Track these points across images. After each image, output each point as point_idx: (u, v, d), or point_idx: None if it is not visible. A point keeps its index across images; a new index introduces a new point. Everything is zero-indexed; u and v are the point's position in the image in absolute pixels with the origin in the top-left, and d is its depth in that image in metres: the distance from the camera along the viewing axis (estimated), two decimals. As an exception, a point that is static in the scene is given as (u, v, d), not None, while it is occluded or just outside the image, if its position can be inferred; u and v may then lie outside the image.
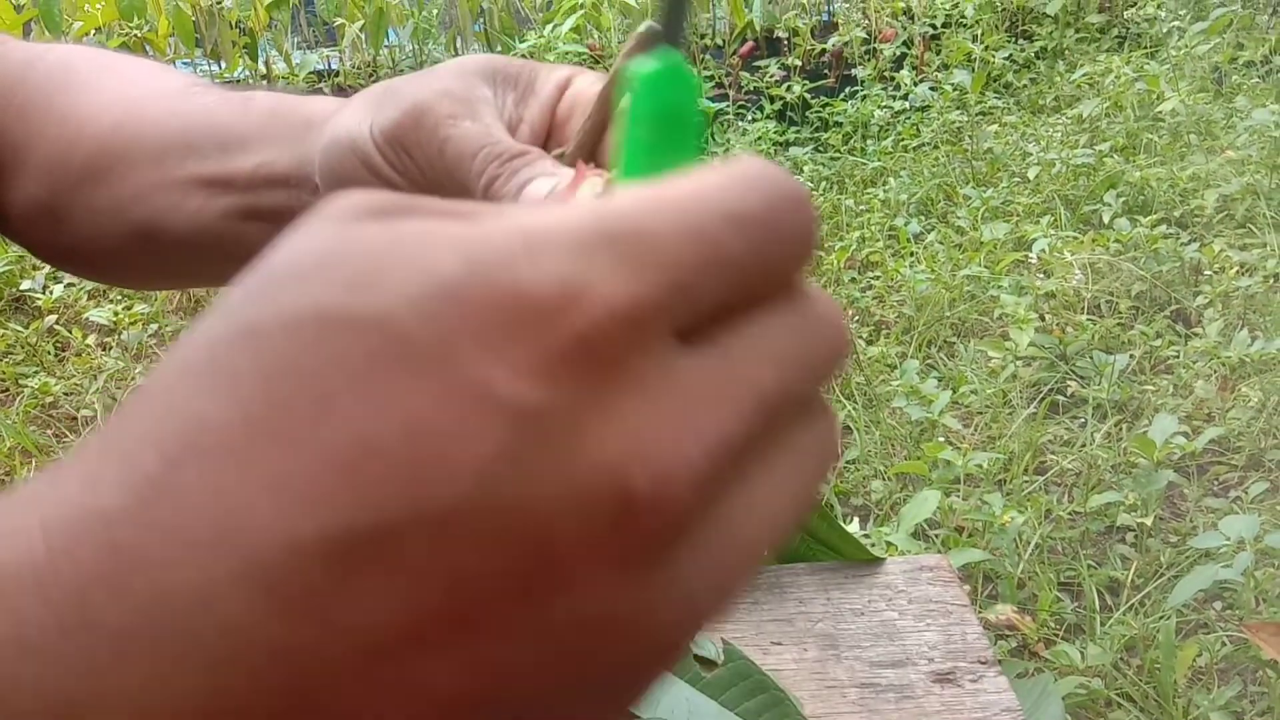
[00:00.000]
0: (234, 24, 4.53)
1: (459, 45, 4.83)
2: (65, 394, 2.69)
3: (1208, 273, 2.55)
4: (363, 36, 4.55)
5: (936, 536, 1.85)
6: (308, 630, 0.15)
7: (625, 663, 0.17)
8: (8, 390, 2.77)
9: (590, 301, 0.16)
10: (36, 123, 0.46)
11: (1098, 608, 1.72)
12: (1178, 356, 2.30)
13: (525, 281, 0.16)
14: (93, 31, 4.30)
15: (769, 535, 0.18)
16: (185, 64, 4.70)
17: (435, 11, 4.65)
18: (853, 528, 1.73)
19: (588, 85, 0.37)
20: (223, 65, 4.60)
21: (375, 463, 0.15)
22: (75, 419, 2.61)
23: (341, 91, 4.65)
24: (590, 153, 0.35)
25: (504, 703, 0.16)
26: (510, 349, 0.15)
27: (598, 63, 4.14)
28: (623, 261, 0.16)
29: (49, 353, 2.90)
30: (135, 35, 4.25)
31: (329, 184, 0.36)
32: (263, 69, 4.58)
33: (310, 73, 4.64)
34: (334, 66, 4.79)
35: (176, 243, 0.42)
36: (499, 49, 4.67)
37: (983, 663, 0.68)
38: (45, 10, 4.11)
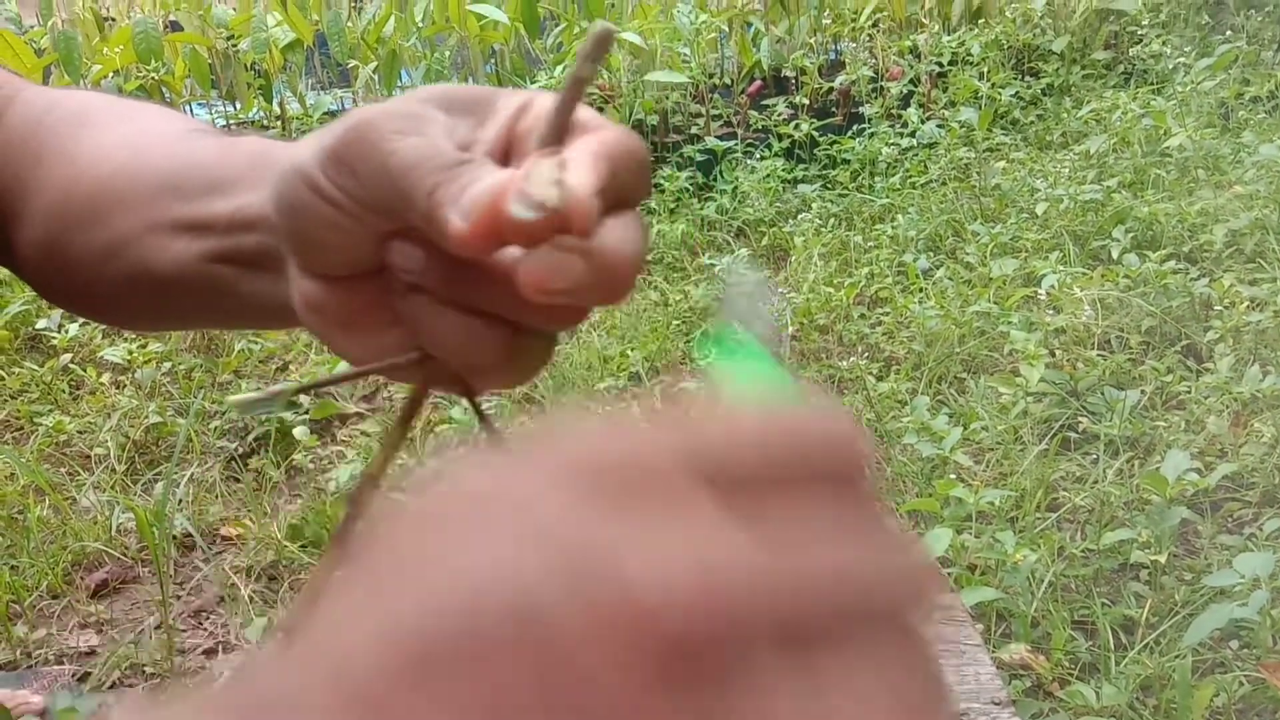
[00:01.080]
0: (249, 66, 4.60)
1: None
2: (79, 432, 2.70)
3: (1218, 308, 2.55)
4: (376, 78, 4.61)
5: (949, 574, 1.84)
6: None
7: None
8: (22, 429, 2.79)
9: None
10: (48, 166, 0.47)
11: (1112, 646, 1.71)
12: (1189, 392, 2.30)
13: None
14: (111, 74, 4.37)
15: None
16: (201, 105, 4.77)
17: (447, 53, 4.72)
18: (864, 566, 1.73)
19: (547, 104, 0.36)
20: (238, 106, 4.66)
21: None
22: (89, 457, 2.62)
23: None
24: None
25: None
26: None
27: (607, 103, 4.19)
28: None
29: (64, 391, 2.92)
30: (152, 78, 4.32)
31: (279, 211, 0.36)
32: (277, 110, 4.64)
33: (324, 113, 4.70)
34: (347, 107, 4.86)
35: (162, 285, 0.43)
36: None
37: (997, 703, 0.68)
38: (65, 54, 4.19)
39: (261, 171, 0.39)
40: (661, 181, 3.96)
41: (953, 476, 2.07)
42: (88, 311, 0.52)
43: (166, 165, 0.43)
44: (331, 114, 4.75)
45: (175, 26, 4.77)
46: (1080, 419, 2.31)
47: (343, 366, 0.40)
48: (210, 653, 1.97)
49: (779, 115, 4.36)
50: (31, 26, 5.59)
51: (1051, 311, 2.70)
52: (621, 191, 0.32)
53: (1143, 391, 2.34)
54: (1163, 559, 1.78)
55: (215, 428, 2.66)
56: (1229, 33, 4.73)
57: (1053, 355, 2.53)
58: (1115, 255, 2.94)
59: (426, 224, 0.32)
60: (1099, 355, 2.51)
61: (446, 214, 0.31)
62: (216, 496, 2.43)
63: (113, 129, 0.47)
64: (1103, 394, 2.33)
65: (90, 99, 0.50)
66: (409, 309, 0.35)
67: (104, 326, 3.05)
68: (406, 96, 0.36)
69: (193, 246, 0.41)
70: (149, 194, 0.42)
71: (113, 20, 4.91)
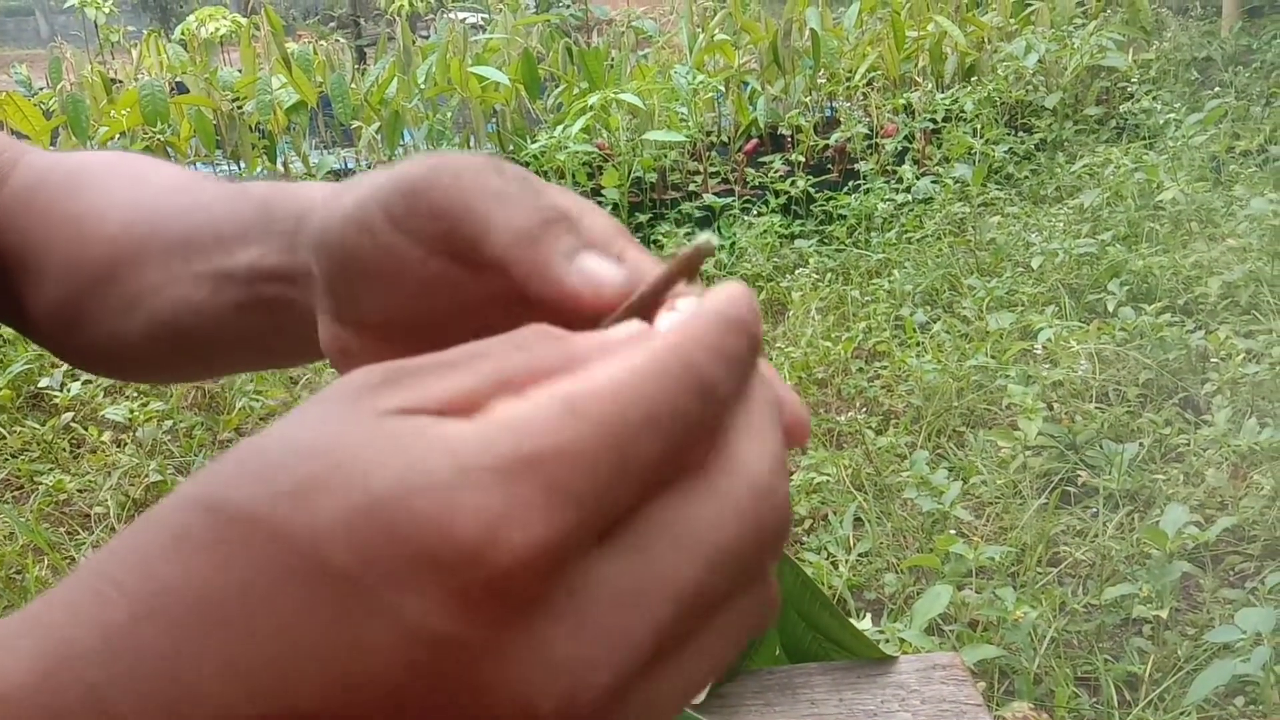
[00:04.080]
0: (253, 127, 4.67)
1: (472, 145, 4.96)
2: (79, 491, 2.70)
3: (1214, 360, 2.56)
4: (379, 138, 4.68)
5: (950, 632, 1.83)
6: None
7: None
8: (22, 487, 2.79)
9: (510, 544, 0.17)
10: (55, 225, 0.47)
11: (1116, 703, 1.69)
12: (1188, 444, 2.30)
13: (448, 517, 0.17)
14: (118, 136, 4.44)
15: (689, 695, 0.20)
16: (206, 166, 4.84)
17: (449, 114, 4.79)
18: (865, 623, 1.72)
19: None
20: (242, 166, 4.73)
21: (302, 666, 0.17)
22: (88, 516, 2.62)
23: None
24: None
25: None
26: (429, 583, 0.17)
27: (606, 160, 4.25)
28: (543, 492, 0.18)
29: (64, 449, 2.93)
30: (158, 139, 4.38)
31: (322, 259, 0.35)
32: (281, 170, 4.71)
33: (327, 173, 4.77)
34: (350, 166, 4.93)
35: (187, 336, 0.43)
36: (511, 149, 4.79)
37: (994, 765, 0.68)
38: (73, 117, 4.26)
39: (272, 220, 0.39)
40: (660, 238, 4.01)
41: (953, 531, 2.07)
42: (108, 368, 0.52)
43: (176, 222, 0.43)
44: (335, 174, 4.82)
45: (181, 89, 4.86)
46: (1079, 472, 2.31)
47: None
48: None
49: (776, 172, 4.42)
50: (40, 89, 5.69)
51: (1048, 365, 2.71)
52: None
53: (1141, 444, 2.34)
54: (1165, 614, 1.77)
55: (215, 486, 2.65)
56: (1218, 88, 4.81)
57: (1051, 409, 2.54)
58: (1111, 308, 2.96)
59: (511, 262, 0.30)
60: (1097, 408, 2.52)
61: (558, 273, 0.29)
62: (215, 555, 2.42)
63: (115, 184, 0.48)
64: (1101, 447, 2.33)
65: (89, 157, 0.51)
66: None
67: (107, 383, 3.07)
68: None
69: (216, 297, 0.41)
70: (161, 251, 0.43)
71: (120, 83, 5.00)
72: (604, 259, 0.29)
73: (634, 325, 0.24)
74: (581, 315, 0.28)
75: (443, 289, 0.33)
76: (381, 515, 0.17)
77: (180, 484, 0.20)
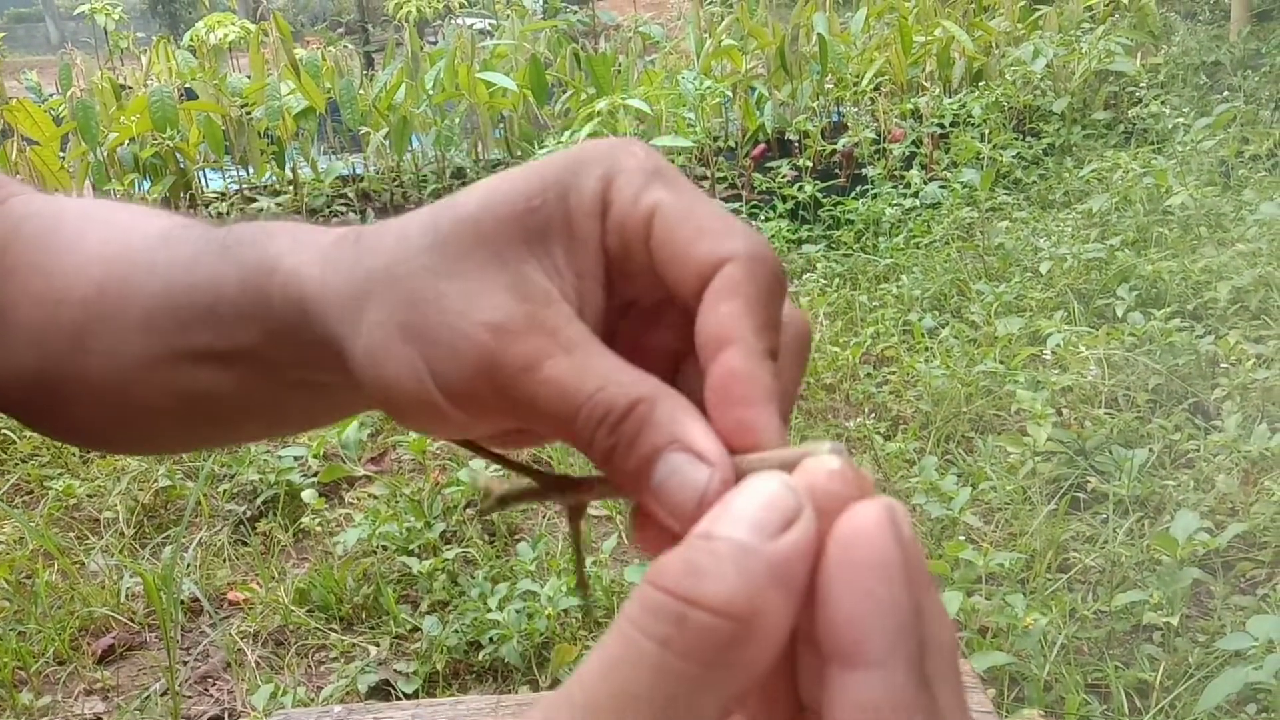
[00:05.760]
0: (262, 133, 4.69)
1: (480, 151, 4.97)
2: (89, 496, 2.71)
3: (1224, 365, 2.55)
4: (387, 143, 4.69)
5: (960, 638, 1.82)
6: None
7: None
8: (32, 492, 2.80)
9: None
10: (21, 281, 0.43)
11: (1127, 710, 1.69)
12: (1198, 450, 2.29)
13: None
14: (127, 142, 4.46)
15: None
16: (215, 171, 4.86)
17: (457, 120, 4.80)
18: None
19: (634, 194, 0.30)
20: (251, 172, 4.75)
21: None
22: (98, 521, 2.62)
23: (366, 198, 4.77)
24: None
25: None
26: None
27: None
28: None
29: (74, 454, 2.94)
30: (167, 145, 4.40)
31: (392, 404, 0.31)
32: (290, 175, 4.72)
33: (336, 178, 4.78)
34: (359, 171, 4.94)
35: (180, 412, 0.40)
36: (519, 155, 4.80)
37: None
38: (83, 123, 4.28)
39: (256, 296, 0.35)
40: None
41: (962, 538, 2.06)
42: (94, 442, 0.47)
43: (155, 284, 0.39)
44: (344, 179, 4.83)
45: (190, 95, 4.88)
46: (1089, 478, 2.30)
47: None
48: (216, 720, 1.96)
49: (783, 177, 4.42)
50: (50, 95, 5.72)
51: (1057, 370, 2.71)
52: None
53: (1151, 450, 2.33)
54: (1175, 621, 1.76)
55: (224, 491, 2.66)
56: (1226, 92, 4.80)
57: (1060, 414, 2.53)
58: (1120, 313, 2.95)
59: (599, 464, 0.28)
60: (1106, 414, 2.51)
61: (654, 505, 0.27)
62: (224, 560, 2.43)
63: (88, 238, 0.43)
64: (1111, 453, 2.32)
65: (65, 205, 0.47)
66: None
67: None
68: (479, 253, 0.30)
69: (218, 376, 0.38)
70: (141, 319, 0.39)
71: (129, 89, 5.02)
72: (677, 457, 0.26)
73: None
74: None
75: None
76: None
77: None
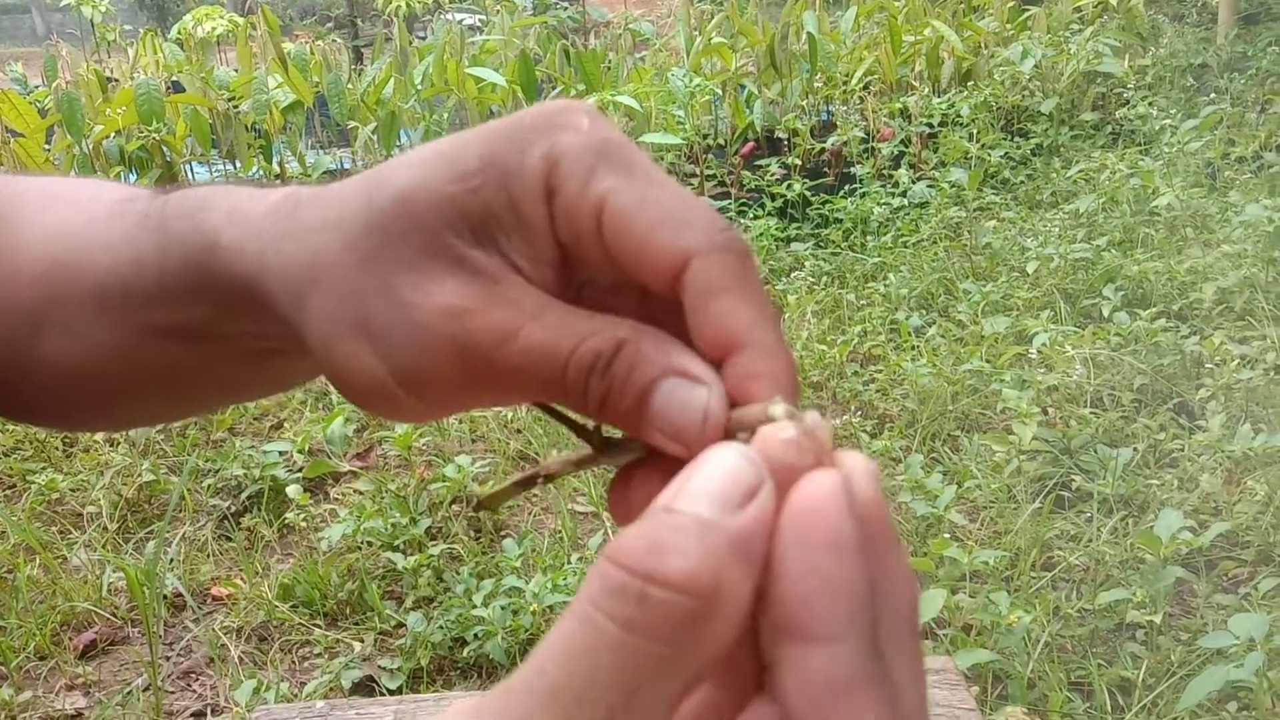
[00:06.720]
0: (249, 127, 4.66)
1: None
2: (71, 490, 2.69)
3: (1209, 365, 2.56)
4: (375, 138, 4.68)
5: (944, 636, 1.83)
6: None
7: None
8: (15, 486, 2.78)
9: None
10: None
11: (1109, 708, 1.69)
12: (1182, 450, 2.30)
13: None
14: (113, 135, 4.43)
15: None
16: (201, 165, 4.83)
17: (446, 115, 4.79)
18: (859, 626, 1.71)
19: (572, 147, 0.29)
20: (238, 166, 4.72)
21: None
22: (80, 515, 2.61)
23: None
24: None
25: None
26: None
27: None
28: None
29: (57, 448, 2.92)
30: (154, 138, 4.38)
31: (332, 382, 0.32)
32: (277, 169, 4.70)
33: (323, 173, 4.76)
34: (346, 166, 4.92)
35: (139, 388, 0.40)
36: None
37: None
38: (68, 115, 4.25)
39: (200, 272, 0.35)
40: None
41: (947, 535, 2.07)
42: (47, 420, 0.47)
43: (104, 259, 0.39)
44: (331, 174, 4.81)
45: (177, 88, 4.85)
46: (1074, 477, 2.31)
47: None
48: (199, 715, 1.95)
49: (772, 175, 4.42)
50: (36, 87, 5.68)
51: (1043, 369, 2.72)
52: None
53: (1135, 449, 2.34)
54: (1158, 619, 1.77)
55: (208, 486, 2.65)
56: (1213, 94, 4.83)
57: (1045, 413, 2.54)
58: (1106, 313, 2.97)
59: (595, 414, 0.28)
60: (1091, 413, 2.52)
61: (656, 435, 0.27)
62: (208, 556, 2.42)
63: (45, 216, 0.43)
64: (1096, 452, 2.33)
65: (26, 184, 0.46)
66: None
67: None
68: (408, 249, 0.29)
69: (170, 347, 0.38)
70: (94, 297, 0.39)
71: (116, 81, 4.99)
72: (673, 382, 0.27)
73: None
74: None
75: None
76: None
77: None
